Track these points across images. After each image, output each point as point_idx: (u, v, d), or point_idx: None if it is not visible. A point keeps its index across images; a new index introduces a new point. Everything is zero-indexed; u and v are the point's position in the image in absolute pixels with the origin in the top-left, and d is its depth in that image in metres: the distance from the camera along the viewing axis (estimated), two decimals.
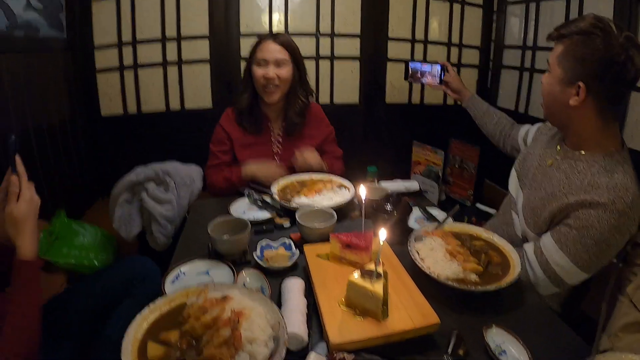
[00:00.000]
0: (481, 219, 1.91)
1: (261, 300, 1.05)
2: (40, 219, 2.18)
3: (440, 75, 2.12)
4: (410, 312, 1.07)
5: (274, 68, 2.03)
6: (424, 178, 2.08)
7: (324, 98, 3.35)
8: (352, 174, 2.04)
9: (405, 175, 2.19)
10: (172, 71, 3.09)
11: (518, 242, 1.59)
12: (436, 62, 2.15)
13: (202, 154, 2.20)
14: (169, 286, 1.26)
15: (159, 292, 1.63)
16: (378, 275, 1.04)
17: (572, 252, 1.37)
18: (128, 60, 3.00)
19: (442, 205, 1.96)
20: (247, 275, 1.26)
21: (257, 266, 1.33)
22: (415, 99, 3.56)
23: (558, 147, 1.54)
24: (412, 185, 2.00)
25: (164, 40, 3.01)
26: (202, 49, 3.09)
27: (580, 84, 1.32)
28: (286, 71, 2.06)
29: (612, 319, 1.24)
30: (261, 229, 1.58)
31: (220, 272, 1.31)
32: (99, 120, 3.05)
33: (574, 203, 1.36)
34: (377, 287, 1.02)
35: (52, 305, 1.52)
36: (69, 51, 2.81)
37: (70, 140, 2.80)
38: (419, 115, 3.57)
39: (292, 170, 2.08)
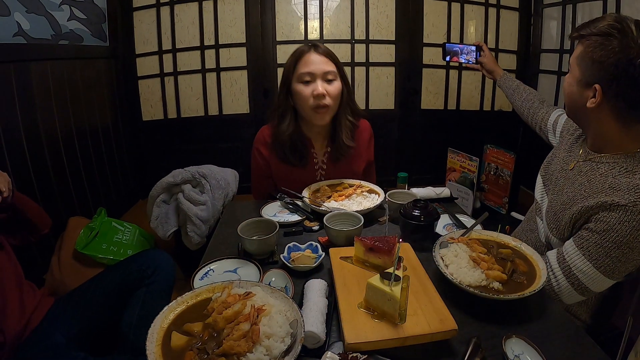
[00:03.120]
0: (515, 228, 1.89)
1: (282, 299, 1.08)
2: (81, 217, 2.32)
3: (476, 55, 2.18)
4: (428, 317, 1.07)
5: (322, 83, 1.77)
6: (459, 185, 2.08)
7: (360, 104, 3.32)
8: (386, 180, 2.05)
9: (440, 182, 2.18)
10: (211, 77, 3.18)
11: (542, 249, 1.57)
12: (471, 44, 2.21)
13: (239, 157, 2.26)
14: (197, 282, 1.30)
15: (171, 282, 1.72)
16: (397, 278, 1.05)
17: (593, 257, 1.33)
18: (168, 67, 3.09)
19: (476, 213, 1.95)
20: (273, 275, 1.30)
21: (284, 267, 1.36)
22: (451, 104, 3.53)
23: (580, 150, 1.51)
24: (443, 191, 1.98)
25: (202, 47, 3.09)
26: (239, 56, 3.16)
27: (597, 86, 1.29)
28: (335, 87, 1.80)
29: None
30: (291, 231, 1.61)
31: (248, 271, 1.35)
32: (140, 124, 3.16)
33: (594, 206, 1.33)
34: (395, 290, 1.03)
35: (79, 292, 1.66)
36: (111, 59, 2.94)
37: (113, 144, 2.93)
38: (454, 121, 3.55)
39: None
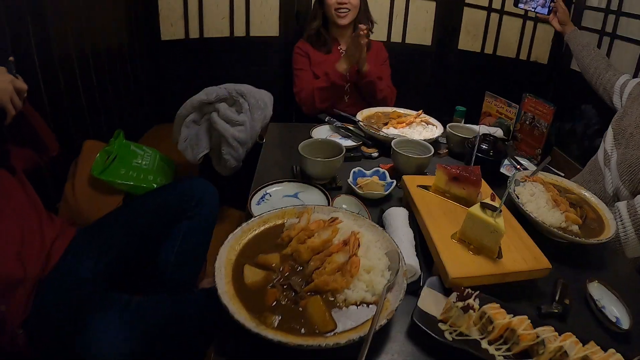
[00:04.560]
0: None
1: (371, 227, 0.97)
2: (97, 140, 2.16)
3: (549, 4, 2.08)
4: (523, 255, 1.01)
5: None
6: (494, 129, 1.97)
7: (396, 37, 3.20)
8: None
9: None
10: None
11: (607, 200, 1.57)
12: None
13: (268, 82, 2.15)
14: (254, 208, 1.19)
15: (215, 217, 1.58)
16: (495, 210, 0.95)
17: None
18: None
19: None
20: (343, 201, 1.20)
21: (351, 192, 1.26)
22: (488, 49, 3.37)
23: None
24: (497, 131, 1.88)
25: None
26: None
27: None
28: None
29: None
30: (349, 156, 1.51)
31: (311, 196, 1.24)
32: (158, 44, 2.95)
33: None
34: (500, 222, 0.94)
35: (106, 222, 1.47)
36: None
37: (129, 64, 2.73)
38: (489, 65, 3.39)
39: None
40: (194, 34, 2.97)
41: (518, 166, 1.64)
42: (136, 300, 1.15)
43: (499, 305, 0.85)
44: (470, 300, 0.81)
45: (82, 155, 2.05)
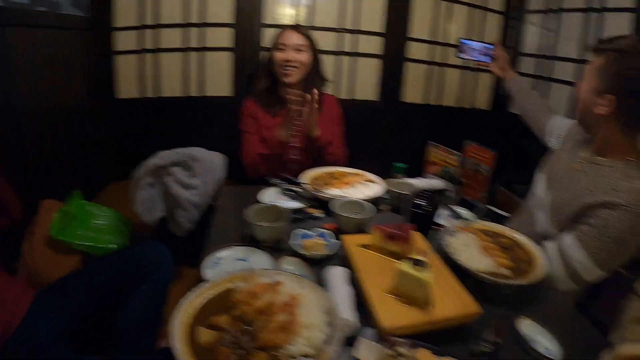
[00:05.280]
0: (493, 221, 1.97)
1: (311, 287, 1.07)
2: (54, 199, 2.19)
3: (489, 52, 2.22)
4: (453, 301, 1.11)
5: (293, 52, 2.25)
6: (440, 179, 2.11)
7: (345, 94, 3.35)
8: (370, 170, 2.10)
9: (418, 175, 2.22)
10: (194, 57, 3.07)
11: (537, 240, 1.64)
12: (488, 42, 2.25)
13: (222, 143, 2.22)
14: (207, 271, 1.26)
15: (171, 276, 1.65)
16: (424, 264, 1.07)
17: (591, 250, 1.44)
18: (149, 43, 2.97)
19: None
20: (288, 263, 1.28)
21: (295, 254, 1.34)
22: (432, 100, 3.59)
23: (584, 153, 1.62)
24: (437, 183, 2.02)
25: (186, 25, 2.98)
26: (224, 37, 3.07)
27: (610, 97, 1.41)
28: (304, 56, 2.28)
29: (624, 313, 1.38)
30: (295, 218, 1.59)
31: (260, 259, 1.31)
32: (114, 102, 3.03)
33: (596, 204, 1.44)
34: (427, 276, 1.06)
35: (66, 283, 1.52)
36: (88, 31, 2.78)
37: (86, 122, 2.79)
38: (435, 116, 3.60)
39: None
40: (150, 93, 3.06)
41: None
42: None
43: (430, 350, 0.94)
44: (400, 348, 0.90)
45: (40, 215, 2.07)
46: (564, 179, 1.66)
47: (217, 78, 3.14)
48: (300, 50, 2.27)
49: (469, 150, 2.10)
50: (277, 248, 1.38)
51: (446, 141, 2.22)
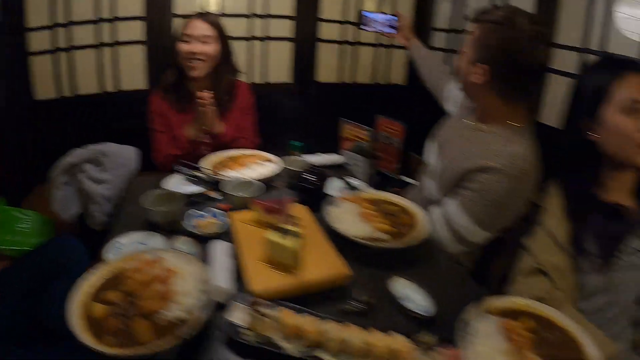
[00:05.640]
0: (405, 190, 2.08)
1: (190, 260, 1.19)
2: None
3: (393, 23, 2.29)
4: (324, 265, 1.25)
5: (198, 44, 2.12)
6: (354, 154, 2.21)
7: (258, 78, 3.43)
8: (284, 151, 2.18)
9: (336, 152, 2.33)
10: (107, 53, 3.09)
11: (427, 206, 1.74)
12: (389, 13, 2.34)
13: (139, 136, 2.26)
14: (109, 256, 1.36)
15: (87, 266, 1.73)
16: (291, 232, 1.21)
17: (472, 213, 1.53)
18: (62, 42, 2.96)
19: (371, 179, 2.11)
20: (180, 243, 1.39)
21: (190, 234, 1.45)
22: (347, 78, 3.71)
23: (469, 121, 1.70)
24: (336, 158, 2.15)
25: (98, 20, 2.99)
26: (136, 30, 3.10)
27: (484, 66, 1.50)
28: (211, 48, 2.16)
29: (513, 269, 1.47)
30: (194, 201, 1.69)
31: (156, 242, 1.42)
32: (33, 104, 3.02)
33: (475, 168, 1.52)
34: (291, 242, 1.19)
35: None
36: (2, 34, 2.75)
37: (5, 126, 2.79)
38: (351, 94, 3.72)
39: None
40: (67, 92, 3.05)
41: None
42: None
43: (292, 310, 1.06)
44: (264, 308, 1.03)
45: None
46: (450, 145, 1.73)
47: (132, 72, 3.17)
48: (206, 41, 2.14)
49: (380, 124, 2.21)
50: (174, 230, 1.48)
51: (363, 118, 2.30)
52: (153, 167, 2.33)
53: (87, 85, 3.12)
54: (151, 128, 2.30)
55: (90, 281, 1.13)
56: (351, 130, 2.30)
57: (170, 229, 1.49)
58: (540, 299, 1.24)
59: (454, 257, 1.65)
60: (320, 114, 3.54)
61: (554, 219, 1.43)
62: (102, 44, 3.07)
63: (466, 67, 1.58)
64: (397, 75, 3.85)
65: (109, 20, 3.04)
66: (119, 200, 1.99)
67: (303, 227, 1.38)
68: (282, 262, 1.21)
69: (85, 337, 0.95)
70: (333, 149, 2.34)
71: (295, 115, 3.55)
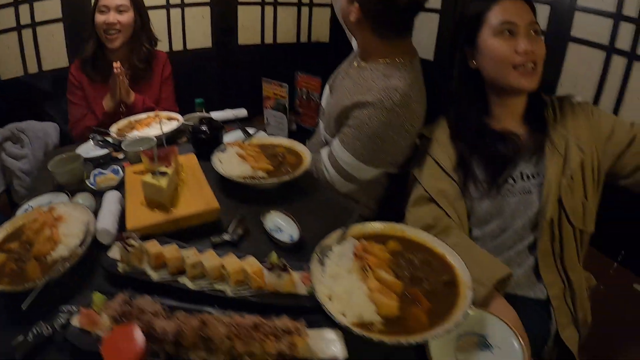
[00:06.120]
0: None
1: (80, 208, 1.37)
2: None
3: None
4: (197, 202, 1.40)
5: (114, 14, 2.16)
6: (274, 111, 2.29)
7: (177, 45, 3.50)
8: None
9: (260, 111, 2.42)
10: (27, 34, 3.10)
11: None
12: None
13: (62, 111, 2.35)
14: None
15: None
16: (163, 174, 1.38)
17: (352, 148, 1.59)
18: None
19: (292, 135, 2.17)
20: (80, 197, 1.55)
21: (90, 190, 1.61)
22: (268, 39, 3.81)
23: (354, 62, 1.74)
24: (240, 112, 2.30)
25: (14, 3, 2.99)
26: (55, 8, 3.12)
27: (356, 4, 1.54)
28: (127, 17, 2.21)
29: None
30: (101, 162, 1.83)
31: (60, 200, 1.57)
32: None
33: (352, 105, 1.58)
34: (162, 182, 1.35)
35: None
36: None
37: None
38: (271, 55, 3.83)
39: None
40: None
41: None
42: None
43: (157, 241, 1.18)
44: (131, 241, 1.18)
45: None
46: (337, 86, 1.77)
47: (53, 51, 3.21)
48: (122, 11, 2.18)
49: (300, 80, 2.32)
50: (79, 189, 1.62)
51: (287, 78, 2.37)
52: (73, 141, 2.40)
53: (10, 69, 3.14)
54: (69, 100, 2.35)
55: None
56: (271, 89, 2.37)
57: (75, 188, 1.64)
58: (428, 226, 1.35)
59: (352, 198, 1.74)
60: (242, 77, 3.66)
61: (441, 146, 1.51)
62: (22, 26, 3.08)
63: (345, 6, 1.61)
64: (321, 33, 3.96)
65: (27, 1, 3.04)
66: (37, 174, 2.11)
67: (184, 171, 1.56)
68: (155, 200, 1.37)
69: None
70: (259, 109, 2.43)
71: (216, 79, 3.67)
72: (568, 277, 1.40)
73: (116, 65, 2.09)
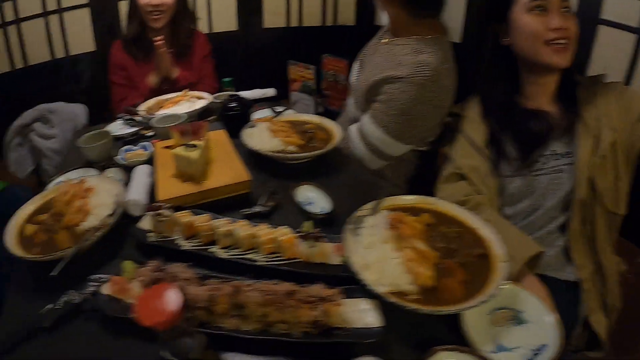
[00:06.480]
0: None
1: (110, 181, 1.37)
2: None
3: None
4: (227, 175, 1.39)
5: None
6: (301, 94, 2.30)
7: (203, 28, 3.40)
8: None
9: (286, 95, 2.42)
10: (54, 20, 3.12)
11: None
12: None
13: (91, 96, 2.36)
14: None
15: None
16: (193, 146, 1.36)
17: (383, 124, 1.57)
18: (9, 15, 2.99)
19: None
20: (111, 172, 1.54)
21: (120, 166, 1.60)
22: (293, 22, 3.78)
23: (385, 37, 1.72)
24: (268, 91, 2.27)
25: None
26: None
27: None
28: None
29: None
30: (131, 140, 1.83)
31: (90, 174, 1.57)
32: None
33: (382, 80, 1.56)
34: (194, 154, 1.34)
35: None
36: None
37: None
38: (297, 37, 3.79)
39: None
40: (19, 63, 3.10)
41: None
42: None
43: (189, 212, 1.18)
44: (163, 211, 1.16)
45: None
46: (367, 62, 1.76)
47: (79, 36, 3.22)
48: None
49: (326, 63, 2.30)
50: (108, 165, 1.62)
51: (314, 61, 2.37)
52: (102, 121, 2.41)
53: (37, 55, 3.17)
54: (110, 80, 2.38)
55: (25, 209, 1.30)
56: (297, 71, 2.37)
57: (105, 164, 1.64)
58: (460, 202, 1.30)
59: (382, 176, 1.73)
60: (268, 60, 3.57)
61: (472, 123, 1.50)
62: (48, 12, 3.10)
63: None
64: (347, 16, 3.90)
65: None
66: (67, 153, 2.11)
67: (214, 145, 1.54)
68: (187, 172, 1.36)
69: (15, 250, 1.12)
70: (285, 92, 2.43)
71: (242, 62, 3.65)
72: (599, 261, 1.37)
73: (158, 38, 2.11)
